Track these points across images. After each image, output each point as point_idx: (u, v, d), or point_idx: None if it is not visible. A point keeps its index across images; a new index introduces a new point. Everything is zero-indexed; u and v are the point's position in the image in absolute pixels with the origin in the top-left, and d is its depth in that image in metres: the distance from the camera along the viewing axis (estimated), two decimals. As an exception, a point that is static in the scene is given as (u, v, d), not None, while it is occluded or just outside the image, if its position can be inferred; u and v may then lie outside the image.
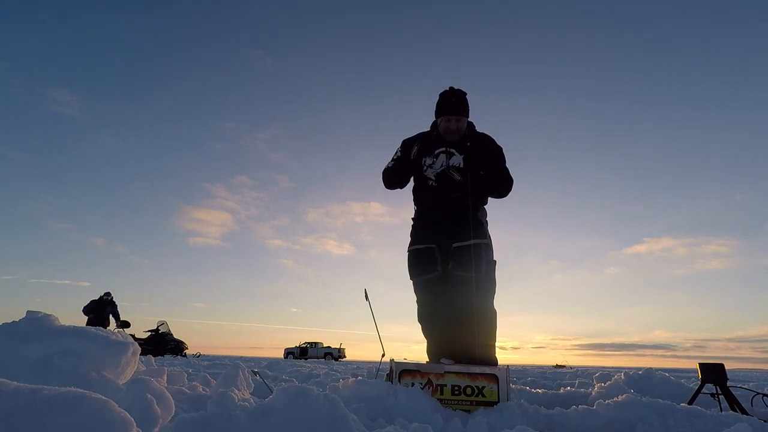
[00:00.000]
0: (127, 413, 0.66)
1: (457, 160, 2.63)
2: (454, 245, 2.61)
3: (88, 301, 10.50)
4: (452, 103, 2.72)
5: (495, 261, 2.69)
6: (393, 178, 2.77)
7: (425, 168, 2.65)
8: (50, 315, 1.12)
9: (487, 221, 2.80)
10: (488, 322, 2.58)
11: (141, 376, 0.95)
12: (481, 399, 1.62)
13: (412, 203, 2.85)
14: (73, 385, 0.67)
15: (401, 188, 2.82)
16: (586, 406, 1.51)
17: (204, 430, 0.87)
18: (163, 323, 14.63)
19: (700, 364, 1.84)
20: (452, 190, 2.65)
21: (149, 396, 0.83)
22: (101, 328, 1.18)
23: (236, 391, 1.07)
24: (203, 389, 1.50)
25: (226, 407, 0.95)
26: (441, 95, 2.75)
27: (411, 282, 2.77)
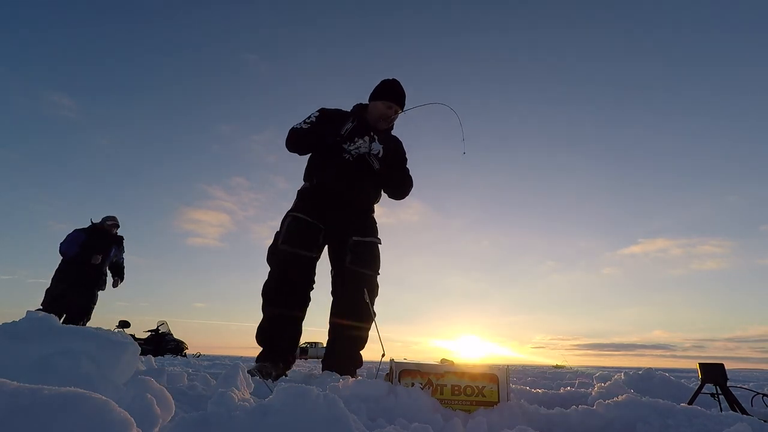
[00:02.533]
0: (127, 413, 0.66)
1: (377, 147, 2.56)
2: (354, 239, 2.51)
3: (70, 232, 5.57)
4: (399, 93, 2.69)
5: None
6: (302, 142, 2.60)
7: (349, 144, 2.53)
8: (50, 315, 1.12)
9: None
10: (366, 328, 2.53)
11: (141, 376, 0.95)
12: (481, 399, 1.62)
13: (320, 177, 2.60)
14: (73, 385, 0.67)
15: (299, 155, 2.68)
16: (586, 406, 1.51)
17: (204, 430, 0.87)
18: (163, 323, 14.61)
19: (700, 364, 1.84)
20: (366, 174, 2.57)
21: (149, 396, 0.83)
22: (102, 328, 1.17)
23: (236, 391, 1.07)
24: (203, 389, 1.50)
25: (226, 407, 0.95)
26: (389, 82, 2.71)
27: (277, 247, 2.45)
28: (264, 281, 2.50)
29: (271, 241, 2.53)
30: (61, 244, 5.59)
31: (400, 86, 2.69)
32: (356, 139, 2.52)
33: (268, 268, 2.49)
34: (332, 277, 2.61)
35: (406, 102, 2.72)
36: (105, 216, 5.82)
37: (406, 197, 2.73)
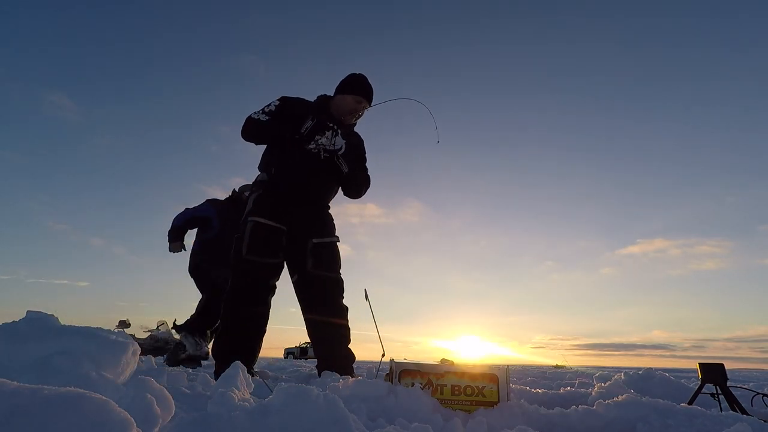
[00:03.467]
0: (127, 413, 0.66)
1: (340, 142, 2.49)
2: (314, 241, 2.45)
3: (202, 203, 4.31)
4: (369, 89, 2.63)
5: None
6: (260, 136, 2.49)
7: (309, 144, 2.44)
8: (50, 315, 1.12)
9: None
10: (347, 326, 2.51)
11: (141, 376, 0.95)
12: (481, 399, 1.62)
13: (280, 169, 2.48)
14: (73, 385, 0.67)
15: (255, 145, 2.59)
16: (586, 406, 1.51)
17: (204, 430, 0.87)
18: (163, 323, 14.56)
19: (700, 364, 1.84)
20: (328, 170, 2.51)
21: (149, 396, 0.83)
22: (102, 328, 1.17)
23: (236, 391, 1.07)
24: (203, 389, 1.50)
25: (226, 407, 0.95)
26: (359, 76, 2.64)
27: (238, 257, 2.34)
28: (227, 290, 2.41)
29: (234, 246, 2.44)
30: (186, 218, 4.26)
31: (369, 82, 2.64)
32: (317, 137, 2.45)
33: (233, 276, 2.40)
34: (294, 283, 2.53)
35: (372, 98, 2.68)
36: (243, 185, 4.50)
37: (362, 197, 2.68)
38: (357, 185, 2.64)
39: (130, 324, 10.99)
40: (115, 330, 2.26)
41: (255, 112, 2.47)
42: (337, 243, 2.55)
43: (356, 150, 2.65)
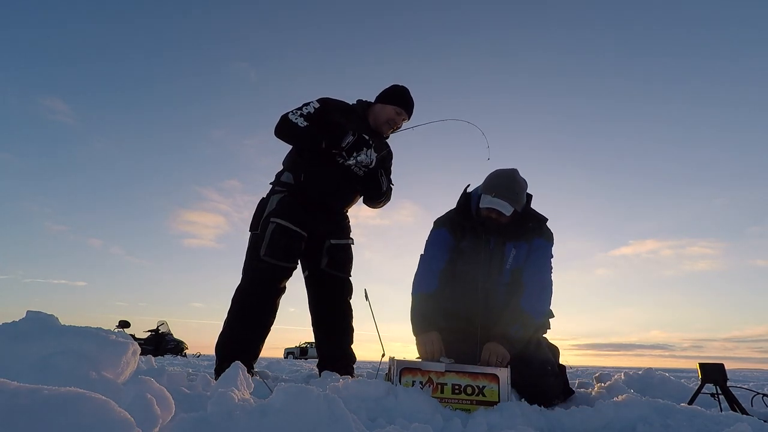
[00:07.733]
0: (127, 413, 0.66)
1: (372, 156, 2.45)
2: (332, 242, 2.46)
3: None
4: (412, 103, 2.59)
5: None
6: (296, 140, 2.42)
7: (348, 159, 2.42)
8: (50, 315, 1.12)
9: None
10: (351, 326, 2.57)
11: (141, 376, 0.95)
12: (481, 399, 1.62)
13: (311, 177, 2.41)
14: (73, 385, 0.67)
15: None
16: (586, 406, 1.51)
17: (204, 430, 0.87)
18: (163, 323, 14.59)
19: (700, 364, 1.84)
20: (356, 181, 2.49)
21: (149, 396, 0.83)
22: (102, 328, 1.17)
23: (236, 391, 1.07)
24: (203, 389, 1.50)
25: (226, 407, 0.95)
26: (403, 88, 2.60)
27: (257, 258, 2.31)
28: (238, 286, 2.39)
29: (248, 242, 2.45)
30: None
31: (411, 96, 2.60)
32: (355, 153, 2.41)
33: (250, 273, 2.40)
34: (306, 279, 2.55)
35: (412, 113, 2.67)
36: None
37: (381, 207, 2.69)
38: (384, 198, 2.62)
39: (130, 324, 10.97)
40: (115, 330, 2.25)
41: (292, 112, 2.37)
42: (352, 246, 2.57)
43: (384, 163, 2.63)
